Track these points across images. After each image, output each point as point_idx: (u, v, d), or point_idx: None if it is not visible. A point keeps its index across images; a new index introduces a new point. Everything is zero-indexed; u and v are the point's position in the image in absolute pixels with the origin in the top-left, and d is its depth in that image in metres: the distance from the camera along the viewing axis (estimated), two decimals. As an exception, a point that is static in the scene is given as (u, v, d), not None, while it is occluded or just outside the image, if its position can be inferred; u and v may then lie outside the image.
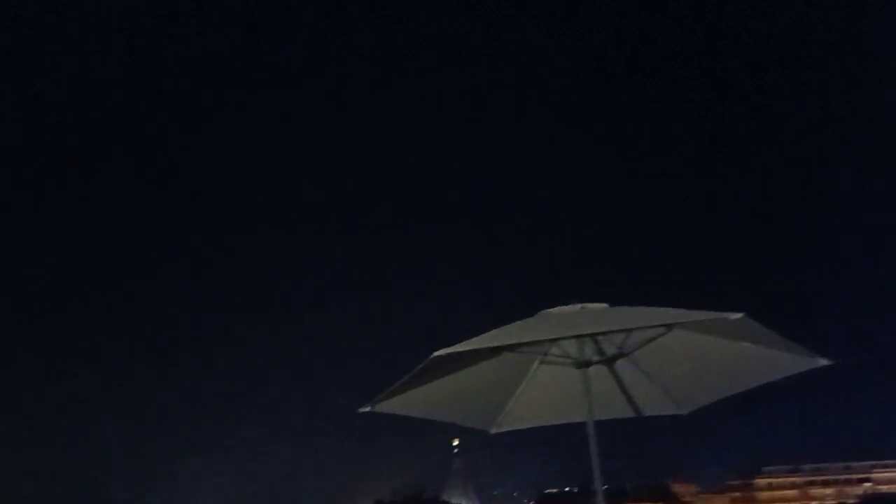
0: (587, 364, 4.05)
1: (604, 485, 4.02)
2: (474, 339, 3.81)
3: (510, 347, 3.92)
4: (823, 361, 3.89)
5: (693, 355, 4.08)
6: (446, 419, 4.11)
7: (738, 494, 53.67)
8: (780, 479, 52.80)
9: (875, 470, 52.09)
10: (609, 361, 4.11)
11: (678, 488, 53.69)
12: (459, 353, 3.80)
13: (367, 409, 3.91)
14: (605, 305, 3.96)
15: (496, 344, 3.85)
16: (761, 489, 52.55)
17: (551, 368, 4.18)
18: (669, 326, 3.86)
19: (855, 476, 51.83)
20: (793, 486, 52.42)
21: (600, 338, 4.03)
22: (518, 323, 3.87)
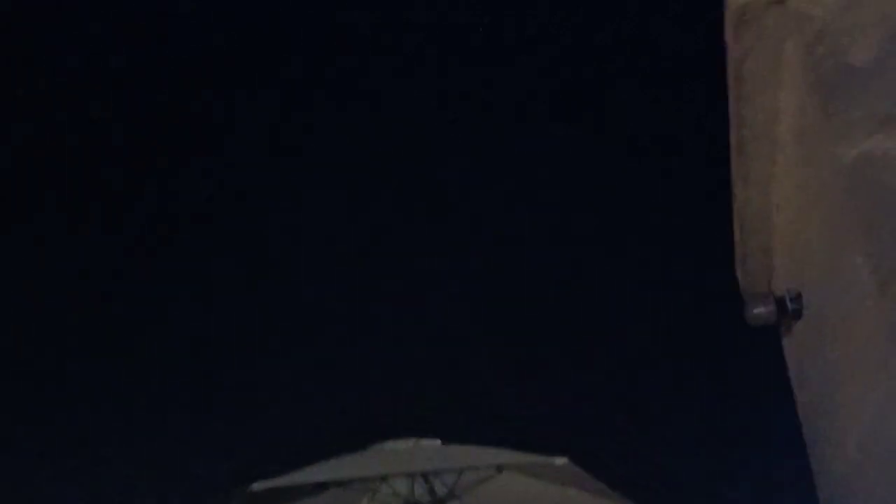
0: (416, 504, 3.96)
1: None
2: (297, 473, 3.66)
3: (337, 483, 3.78)
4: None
5: (521, 499, 4.06)
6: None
7: None
8: None
9: None
10: (439, 502, 4.03)
11: None
12: (280, 488, 3.64)
13: None
14: (437, 441, 3.92)
15: (322, 478, 3.71)
16: None
17: None
18: (500, 468, 3.85)
19: None
20: None
21: (432, 477, 3.97)
22: (347, 456, 3.76)
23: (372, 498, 4.05)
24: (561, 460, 3.62)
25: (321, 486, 3.85)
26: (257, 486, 3.53)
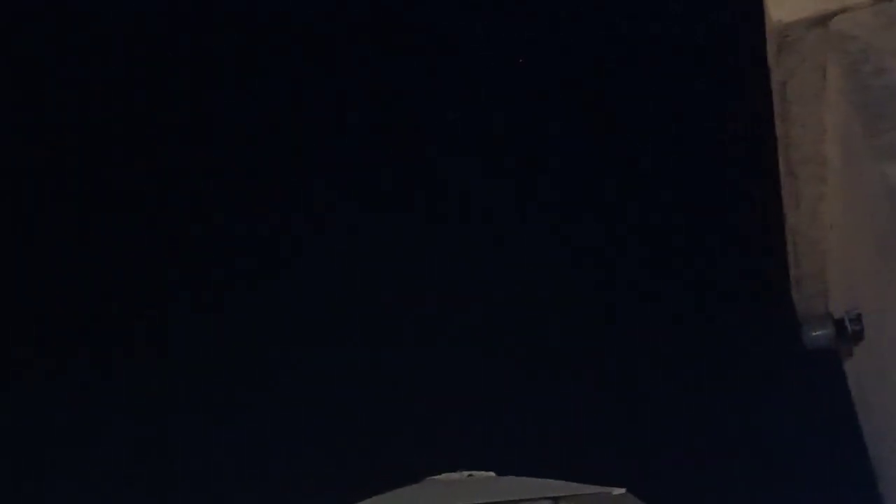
0: (472, 538, 3.92)
1: None
2: None
3: None
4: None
5: None
6: None
7: None
8: None
9: None
10: None
11: None
12: None
13: None
14: (491, 474, 3.90)
15: None
16: None
17: None
18: (556, 500, 3.80)
19: None
20: None
21: None
22: (400, 489, 3.75)
23: None
24: (619, 491, 3.56)
25: None
26: None
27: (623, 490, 3.54)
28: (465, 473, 3.90)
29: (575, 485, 3.72)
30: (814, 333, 2.26)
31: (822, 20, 1.80)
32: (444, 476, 3.87)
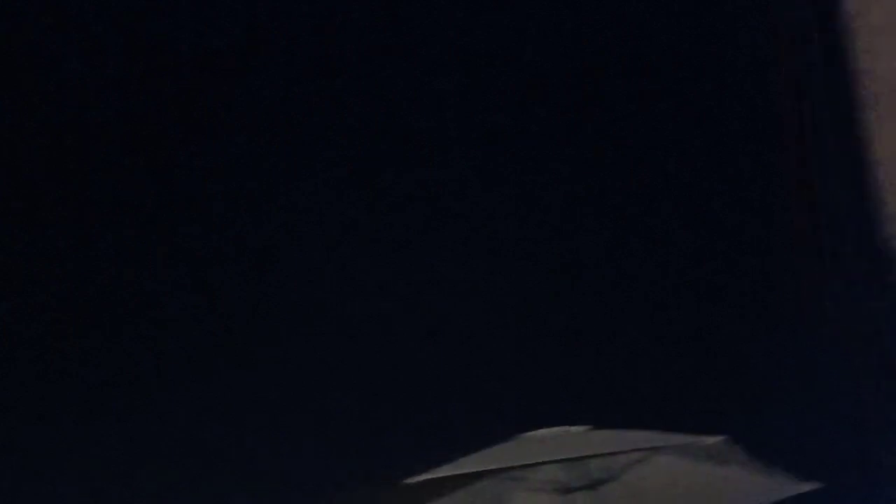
0: (571, 490, 3.75)
1: None
2: (447, 466, 3.54)
3: (488, 474, 3.63)
4: (808, 486, 3.80)
5: (677, 479, 3.89)
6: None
7: None
8: None
9: None
10: (594, 486, 3.83)
11: None
12: (430, 481, 3.50)
13: None
14: (587, 427, 3.86)
15: (472, 469, 3.58)
16: None
17: (531, 497, 3.81)
18: (656, 450, 3.77)
19: None
20: None
21: (584, 462, 3.82)
22: (496, 446, 3.66)
23: (524, 486, 3.83)
24: (715, 439, 3.62)
25: (471, 477, 3.66)
26: (408, 480, 3.41)
27: (720, 438, 3.60)
28: (561, 428, 3.85)
29: (670, 434, 3.73)
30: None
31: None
32: (538, 432, 3.80)
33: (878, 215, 3.31)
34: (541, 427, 4.06)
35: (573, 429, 4.09)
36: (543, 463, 4.00)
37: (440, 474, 3.54)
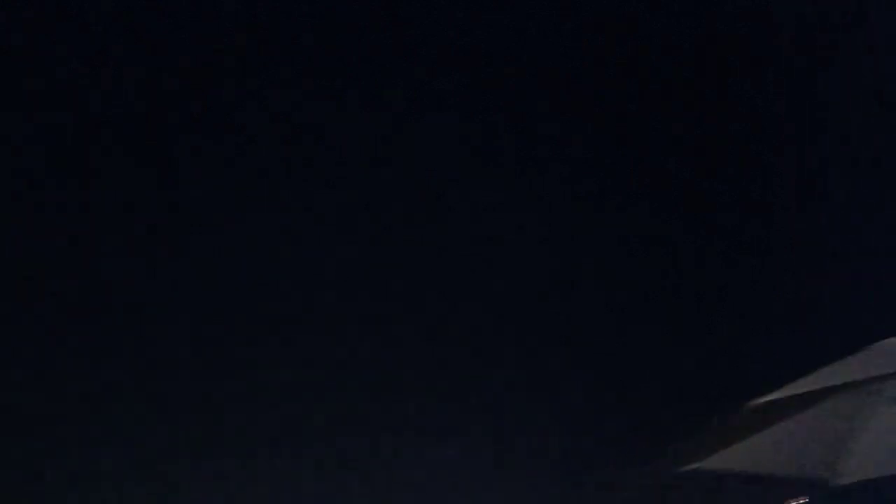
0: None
1: None
2: (796, 383, 3.32)
3: (840, 389, 3.35)
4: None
5: None
6: (774, 473, 3.28)
7: None
8: None
9: None
10: None
11: None
12: (772, 402, 3.27)
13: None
14: None
15: (823, 385, 3.33)
16: None
17: (890, 409, 3.51)
18: None
19: None
20: None
21: None
22: (850, 358, 3.43)
23: (879, 398, 3.48)
24: None
25: (821, 394, 3.38)
26: (755, 402, 3.22)
27: None
28: None
29: None
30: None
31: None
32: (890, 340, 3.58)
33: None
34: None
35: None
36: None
37: (788, 393, 3.28)
